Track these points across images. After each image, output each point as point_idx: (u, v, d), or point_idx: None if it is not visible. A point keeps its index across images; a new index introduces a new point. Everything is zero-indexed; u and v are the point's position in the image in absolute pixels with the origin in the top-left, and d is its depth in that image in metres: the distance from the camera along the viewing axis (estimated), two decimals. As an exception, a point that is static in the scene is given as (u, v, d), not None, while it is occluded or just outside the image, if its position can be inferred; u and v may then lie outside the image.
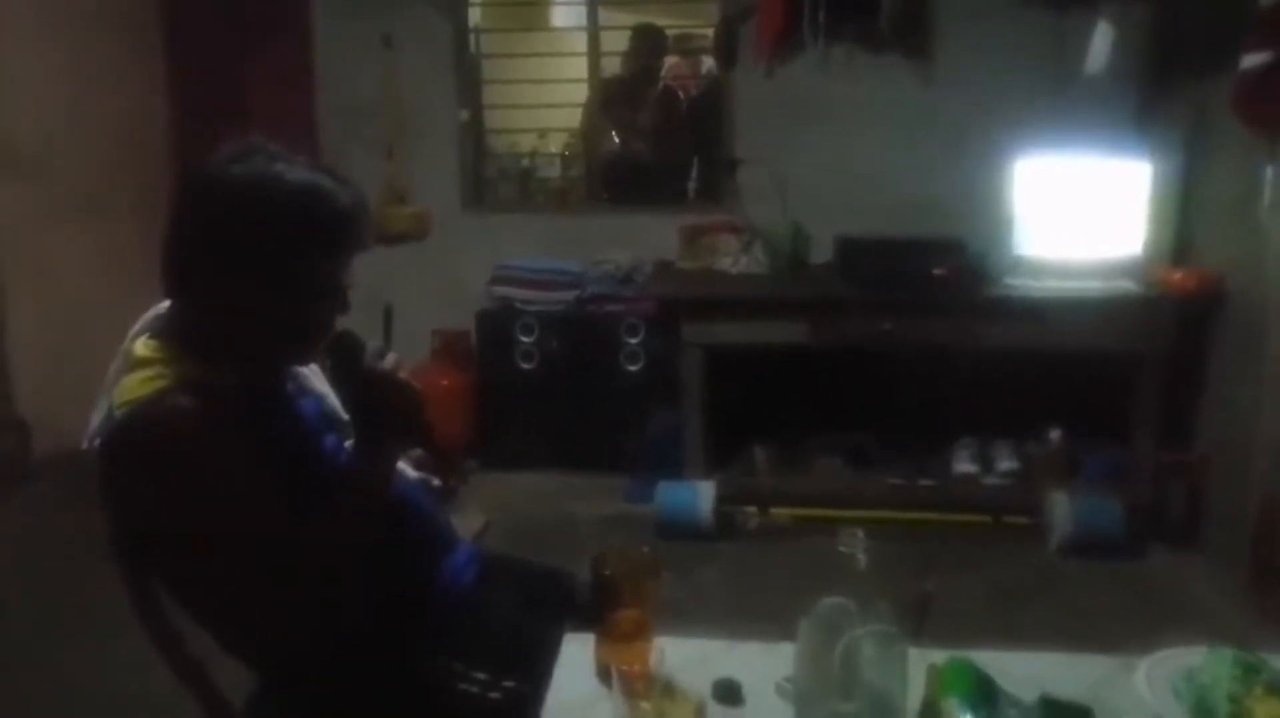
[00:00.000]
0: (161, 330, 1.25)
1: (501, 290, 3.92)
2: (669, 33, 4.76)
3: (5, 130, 3.61)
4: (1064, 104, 3.49)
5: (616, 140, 4.37)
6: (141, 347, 1.23)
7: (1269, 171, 2.70)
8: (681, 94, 4.85)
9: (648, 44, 4.29)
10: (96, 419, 1.22)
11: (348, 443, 1.27)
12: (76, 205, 3.81)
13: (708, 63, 4.48)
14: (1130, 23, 3.47)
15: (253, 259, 1.19)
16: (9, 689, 2.40)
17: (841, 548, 1.00)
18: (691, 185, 4.42)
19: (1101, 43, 3.39)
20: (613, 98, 4.37)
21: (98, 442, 1.20)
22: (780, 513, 3.35)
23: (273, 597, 1.16)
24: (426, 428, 1.33)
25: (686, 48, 4.99)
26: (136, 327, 1.27)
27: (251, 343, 1.24)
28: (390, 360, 1.30)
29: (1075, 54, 3.46)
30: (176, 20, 4.21)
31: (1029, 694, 1.11)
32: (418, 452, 1.51)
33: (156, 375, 1.18)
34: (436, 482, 1.51)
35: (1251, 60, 2.65)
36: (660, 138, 4.48)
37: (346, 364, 1.30)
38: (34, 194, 3.65)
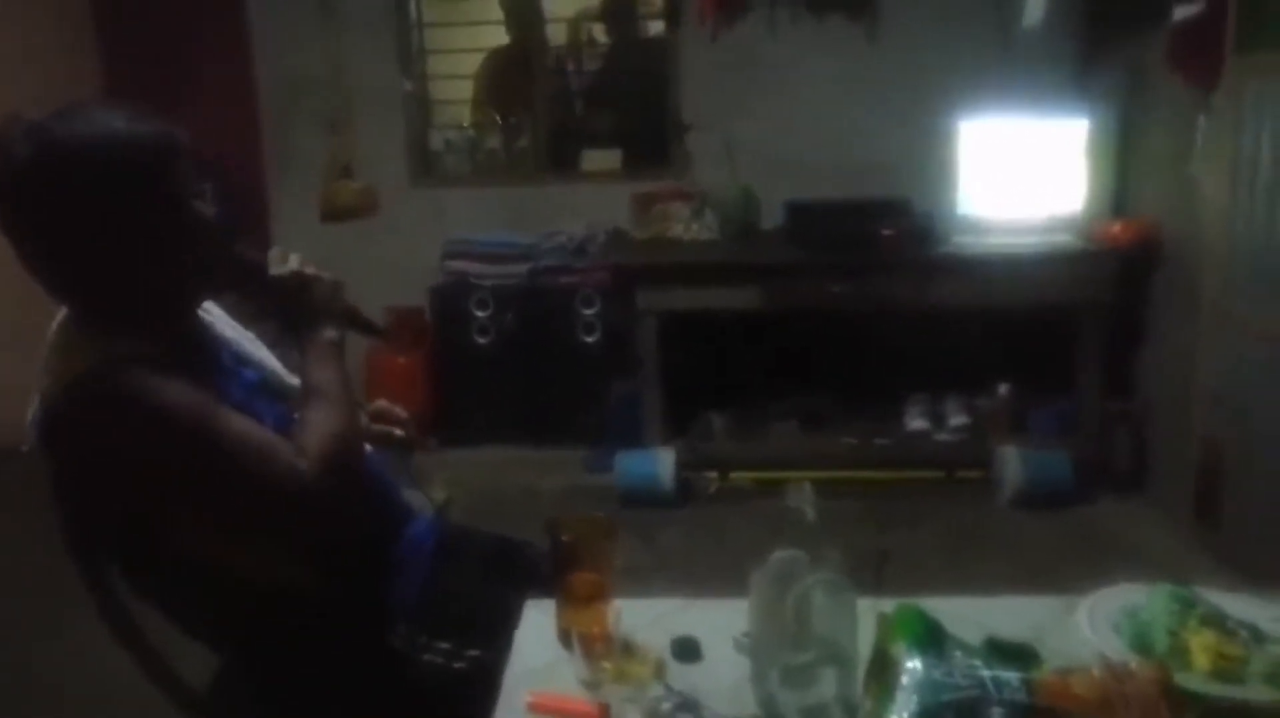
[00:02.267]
0: (71, 320, 1.22)
1: (454, 265, 3.89)
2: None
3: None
4: (1004, 63, 3.53)
5: (497, 119, 4.31)
6: (57, 334, 1.21)
7: (1201, 122, 2.76)
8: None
9: (522, 12, 4.21)
10: (30, 413, 1.20)
11: (298, 414, 1.26)
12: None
13: (655, 28, 4.42)
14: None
15: (92, 227, 1.14)
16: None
17: (789, 503, 1.02)
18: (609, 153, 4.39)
19: (1037, -1, 3.42)
20: (497, 71, 4.32)
21: (36, 437, 1.19)
22: (739, 477, 3.40)
23: (273, 519, 1.16)
24: (348, 307, 1.36)
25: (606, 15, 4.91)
26: (56, 320, 1.25)
27: (146, 300, 1.21)
28: (294, 260, 1.31)
29: (1013, 10, 3.49)
30: (105, 1, 4.08)
31: (976, 638, 1.14)
32: (378, 404, 1.52)
33: (78, 355, 1.15)
34: (398, 432, 1.52)
35: (1183, 12, 2.71)
36: (552, 108, 4.40)
37: (252, 281, 1.30)
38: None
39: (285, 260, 1.31)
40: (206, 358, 1.30)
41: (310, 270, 1.32)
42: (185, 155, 1.19)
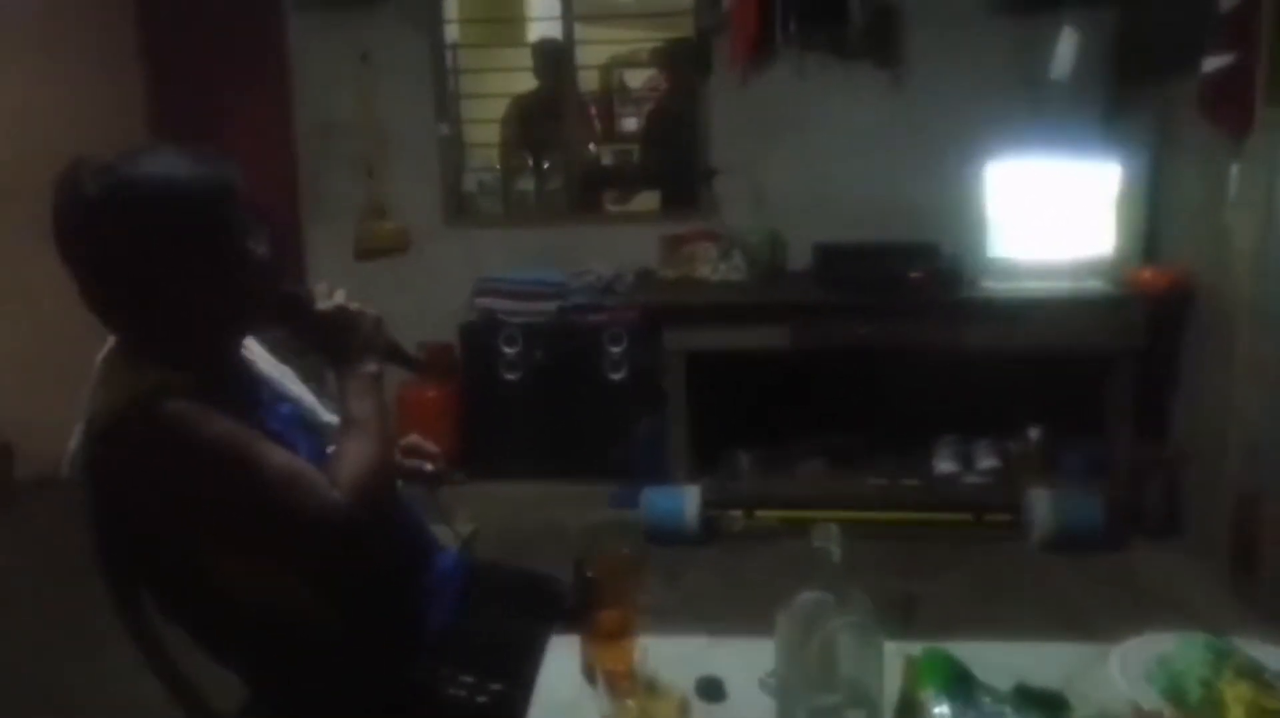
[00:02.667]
0: (118, 350, 1.26)
1: (484, 302, 3.93)
2: (648, 46, 4.80)
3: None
4: (1033, 107, 3.55)
5: (529, 160, 4.39)
6: (104, 366, 1.25)
7: (1234, 170, 2.75)
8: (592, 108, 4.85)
9: (550, 59, 4.30)
10: (74, 443, 1.24)
11: (330, 448, 1.28)
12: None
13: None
14: (1095, 27, 3.53)
15: (151, 261, 1.18)
16: (9, 703, 2.41)
17: (816, 543, 1.03)
18: (650, 196, 4.44)
19: (1067, 48, 3.44)
20: (527, 115, 4.40)
21: (78, 463, 1.22)
22: (765, 516, 3.38)
23: (306, 548, 1.18)
24: (389, 341, 1.39)
25: (662, 60, 5.03)
26: (103, 350, 1.29)
27: (195, 333, 1.25)
28: (338, 295, 1.35)
29: (1042, 59, 3.51)
30: (152, 44, 4.21)
31: (1005, 684, 1.13)
32: (409, 439, 1.54)
33: (125, 385, 1.19)
34: (429, 466, 1.54)
35: (1213, 63, 2.71)
36: (578, 152, 4.47)
37: (298, 316, 1.34)
38: (14, 218, 3.63)
39: (330, 295, 1.35)
40: (246, 391, 1.34)
41: (354, 306, 1.35)
42: (240, 197, 1.25)
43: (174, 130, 4.01)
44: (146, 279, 1.19)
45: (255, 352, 1.43)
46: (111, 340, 1.28)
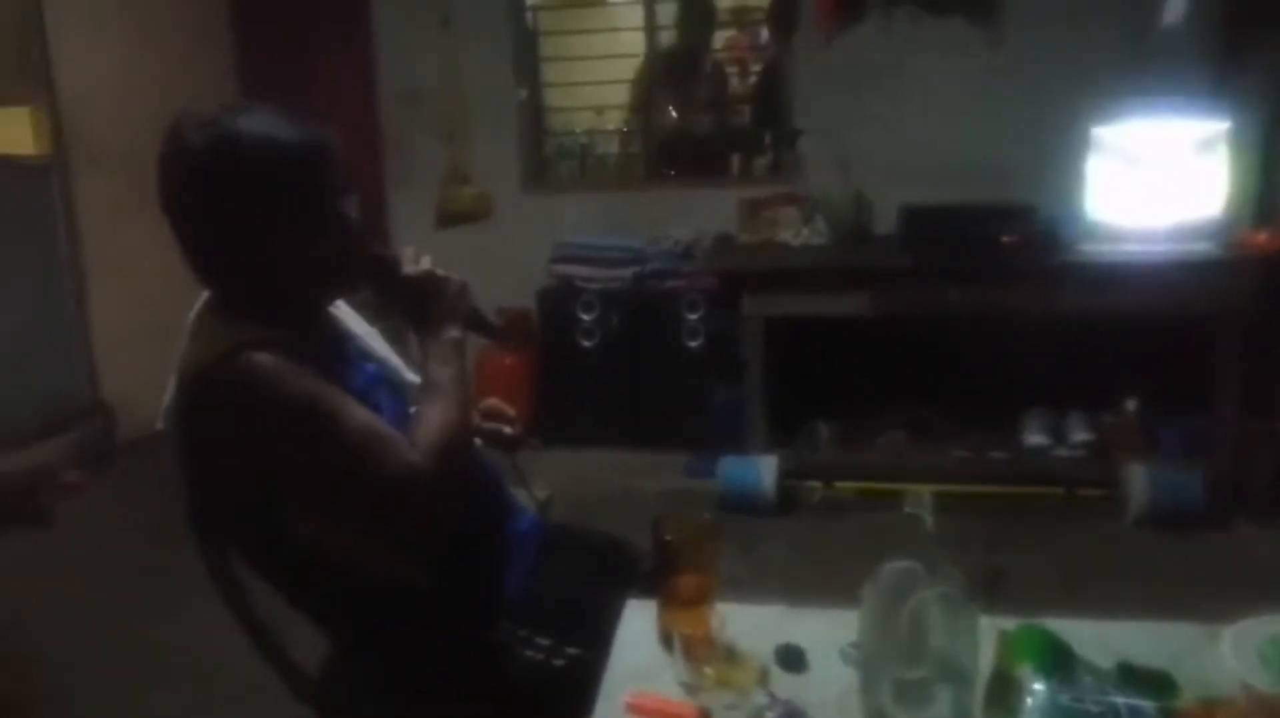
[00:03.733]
0: (211, 306, 1.29)
1: (562, 268, 3.93)
2: (724, 5, 4.69)
3: (86, 123, 3.75)
4: (1139, 62, 3.36)
5: (673, 114, 4.33)
6: (196, 321, 1.28)
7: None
8: (737, 67, 4.78)
9: (695, 16, 4.23)
10: (168, 397, 1.26)
11: (413, 409, 1.29)
12: (152, 194, 3.93)
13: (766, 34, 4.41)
14: (1208, -28, 3.32)
15: (249, 215, 1.20)
16: (100, 657, 2.52)
17: (908, 509, 0.98)
18: (760, 160, 4.36)
19: (1178, -7, 3.24)
20: (664, 73, 4.33)
21: (170, 416, 1.24)
22: (844, 487, 3.32)
23: (385, 507, 1.19)
24: (473, 308, 1.39)
25: (745, 20, 4.92)
26: (195, 308, 1.31)
27: (287, 290, 1.26)
28: (425, 260, 1.35)
29: (1150, 7, 3.32)
30: (242, 13, 4.31)
31: (1106, 662, 1.07)
32: (489, 402, 1.54)
33: (216, 338, 1.21)
34: (507, 429, 1.54)
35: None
36: (713, 112, 4.42)
37: (385, 278, 1.34)
38: (115, 187, 3.78)
39: (417, 260, 1.35)
40: (333, 349, 1.35)
41: (440, 272, 1.35)
42: (335, 159, 1.26)
43: (261, 95, 4.09)
44: (243, 233, 1.21)
45: (343, 311, 1.44)
46: (204, 297, 1.31)
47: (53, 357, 3.73)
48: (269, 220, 1.21)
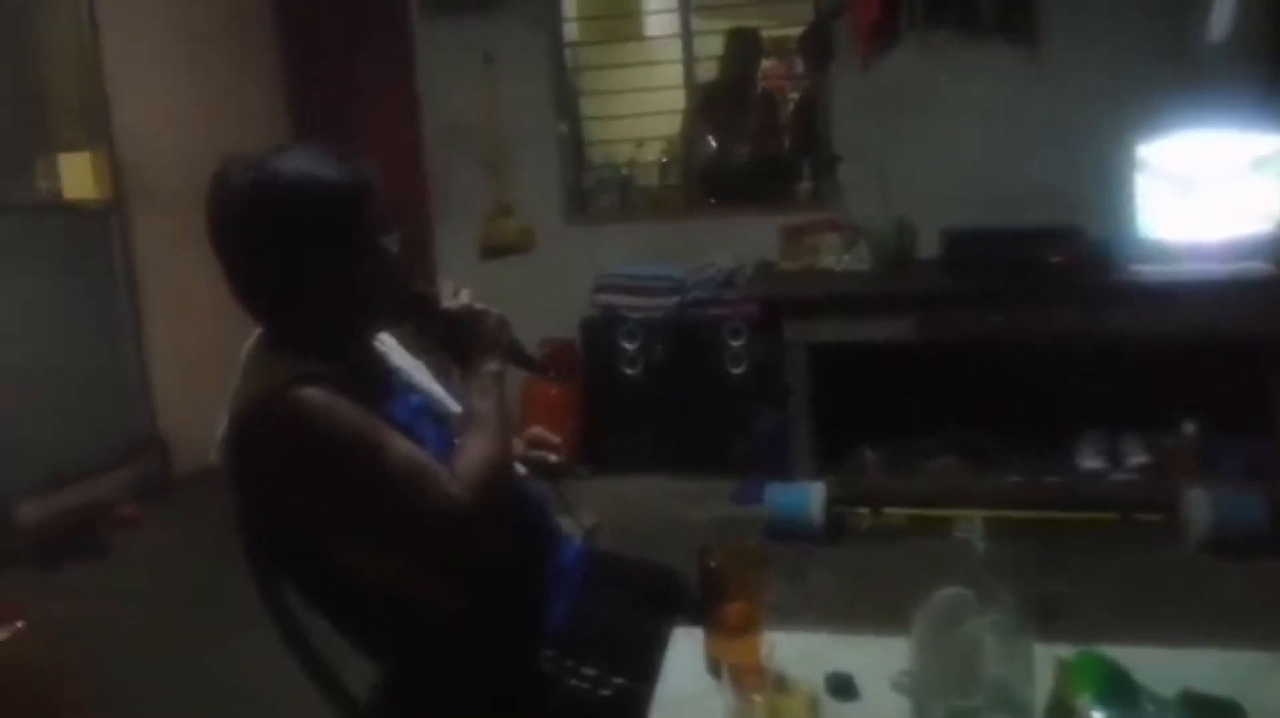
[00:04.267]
0: (262, 342, 1.32)
1: (605, 298, 3.96)
2: (763, 35, 4.72)
3: (143, 165, 3.88)
4: (1185, 78, 3.31)
5: (714, 145, 4.36)
6: (248, 357, 1.31)
7: None
8: (778, 95, 4.81)
9: (743, 48, 4.27)
10: (220, 432, 1.29)
11: (457, 439, 1.30)
12: (205, 233, 4.05)
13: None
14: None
15: (293, 253, 1.23)
16: (154, 681, 2.56)
17: (958, 534, 0.96)
18: (804, 186, 4.37)
19: (1225, 6, 3.18)
20: (711, 103, 4.36)
21: (223, 450, 1.27)
22: (894, 514, 3.27)
23: (427, 538, 1.21)
24: (512, 342, 1.40)
25: (782, 50, 4.95)
26: (248, 344, 1.34)
27: (330, 325, 1.29)
28: (464, 295, 1.37)
29: (1197, 21, 3.27)
30: (290, 52, 4.43)
31: (1168, 690, 1.04)
32: (533, 431, 1.55)
33: (266, 373, 1.24)
34: (552, 458, 1.55)
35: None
36: (761, 140, 4.45)
37: (426, 313, 1.37)
38: (168, 223, 3.89)
39: (457, 295, 1.38)
40: (378, 382, 1.37)
41: (479, 306, 1.38)
42: (378, 196, 1.29)
43: (310, 134, 4.20)
44: (284, 269, 1.24)
45: (389, 344, 1.47)
46: (257, 333, 1.34)
47: (111, 393, 3.83)
48: (310, 257, 1.24)
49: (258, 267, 1.25)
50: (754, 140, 4.38)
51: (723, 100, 4.37)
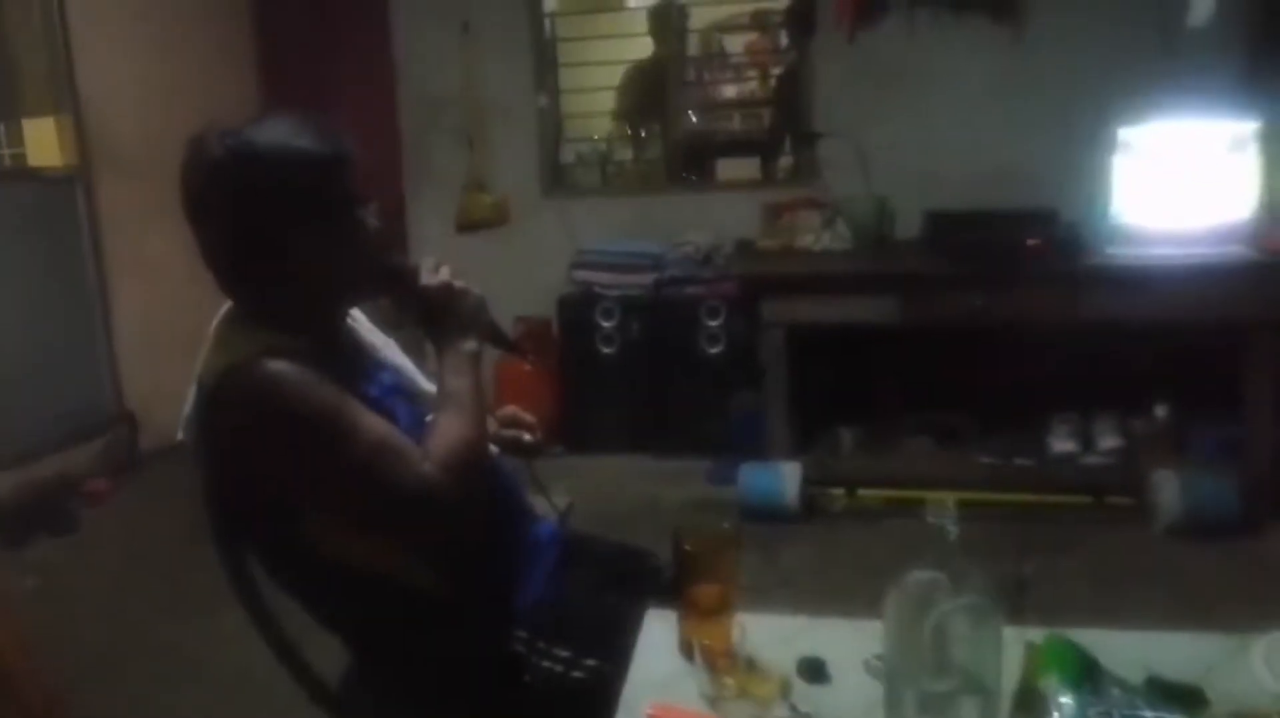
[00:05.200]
0: (231, 315, 1.30)
1: (582, 275, 3.93)
2: (744, 9, 4.69)
3: (110, 132, 3.79)
4: (1165, 62, 3.32)
5: (635, 130, 4.33)
6: (216, 330, 1.28)
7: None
8: (758, 71, 4.78)
9: (661, 25, 4.24)
10: (187, 407, 1.27)
11: (429, 417, 1.28)
12: (176, 203, 3.97)
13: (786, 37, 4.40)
14: (1236, -30, 3.28)
15: (269, 225, 1.21)
16: (122, 662, 2.53)
17: (930, 518, 0.96)
18: (784, 161, 4.34)
19: (1205, -9, 3.19)
20: (635, 82, 4.34)
21: (191, 426, 1.25)
22: (868, 494, 3.28)
23: (397, 517, 1.19)
24: (490, 322, 1.39)
25: (764, 23, 4.92)
26: (217, 317, 1.32)
27: (306, 298, 1.27)
28: (444, 272, 1.34)
29: (1176, 7, 3.27)
30: (263, 20, 4.34)
31: (1135, 675, 1.05)
32: (507, 410, 1.53)
33: (235, 347, 1.21)
34: (526, 437, 1.53)
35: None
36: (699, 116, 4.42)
37: (404, 288, 1.34)
38: (135, 193, 3.81)
39: (437, 272, 1.35)
40: (350, 358, 1.35)
41: (459, 284, 1.35)
42: (355, 168, 1.27)
43: (282, 103, 4.12)
44: (262, 241, 1.22)
45: (360, 321, 1.45)
46: (226, 306, 1.31)
47: (78, 366, 3.77)
48: (287, 229, 1.21)
49: (233, 238, 1.22)
50: (675, 119, 4.32)
51: (652, 80, 4.33)
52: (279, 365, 1.17)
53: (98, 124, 3.76)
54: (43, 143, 3.69)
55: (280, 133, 1.23)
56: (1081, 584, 2.68)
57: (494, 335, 1.43)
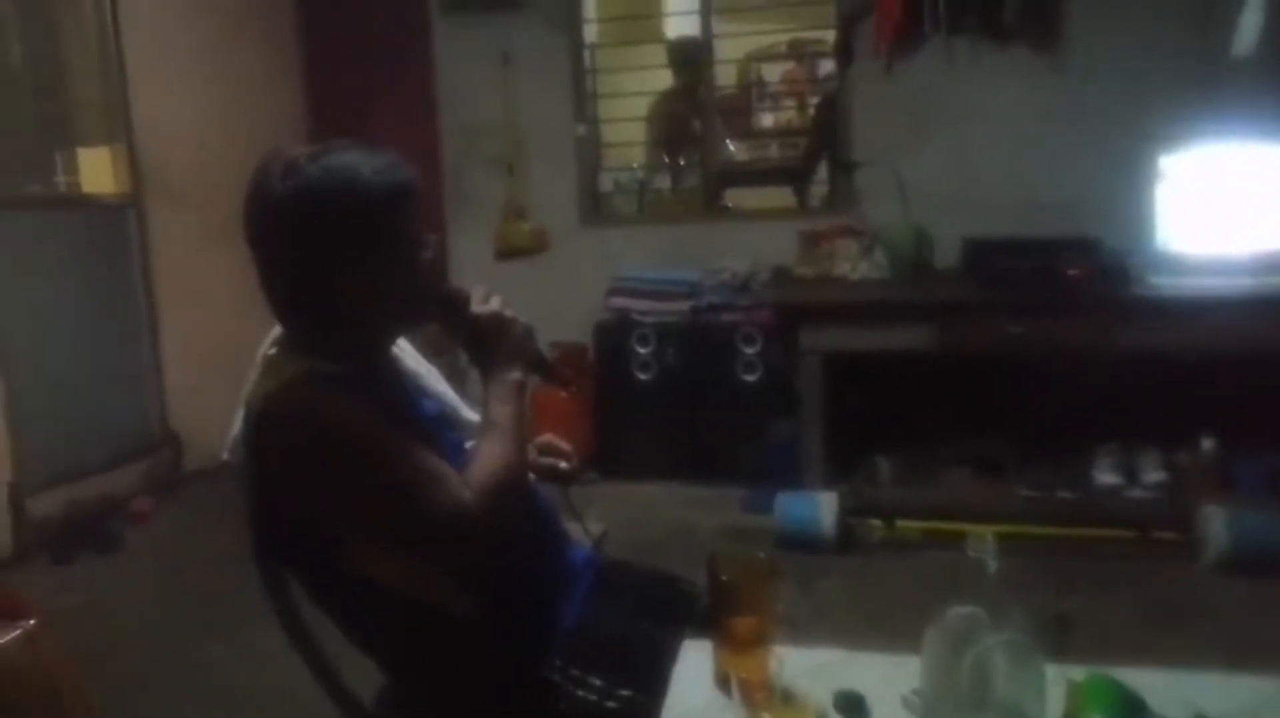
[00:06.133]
0: (282, 340, 1.31)
1: (618, 302, 3.95)
2: (782, 39, 4.72)
3: (161, 161, 3.89)
4: (1210, 89, 3.27)
5: (665, 159, 4.36)
6: (264, 355, 1.30)
7: None
8: (796, 100, 4.80)
9: (681, 59, 4.27)
10: (234, 430, 1.29)
11: (469, 444, 1.29)
12: (224, 230, 4.05)
13: (826, 67, 4.42)
14: (1283, -2, 3.23)
15: (328, 255, 1.22)
16: (164, 676, 2.57)
17: (971, 553, 0.95)
18: (821, 190, 4.34)
19: (1251, 20, 3.15)
20: (660, 114, 4.37)
21: (237, 448, 1.27)
22: (906, 525, 3.24)
23: (436, 543, 1.20)
24: (537, 353, 1.39)
25: (801, 53, 4.94)
26: (265, 342, 1.34)
27: (360, 326, 1.28)
28: (494, 301, 1.35)
29: (1222, 34, 3.23)
30: (309, 51, 4.45)
31: (1180, 715, 1.02)
32: (544, 438, 1.54)
33: (282, 372, 1.23)
34: (563, 464, 1.54)
35: None
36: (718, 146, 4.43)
37: (454, 315, 1.35)
38: (186, 220, 3.92)
39: (487, 300, 1.36)
40: (393, 385, 1.37)
41: (509, 313, 1.36)
42: (418, 200, 1.28)
43: (328, 131, 4.21)
44: (324, 273, 1.22)
45: (403, 347, 1.46)
46: (273, 333, 1.33)
47: (126, 389, 3.85)
48: (349, 262, 1.22)
49: (293, 267, 1.24)
50: (706, 149, 4.34)
51: (678, 110, 4.36)
52: (322, 391, 1.19)
53: (150, 153, 3.87)
54: (97, 171, 3.80)
55: (344, 164, 1.23)
56: (1126, 621, 2.62)
57: (540, 365, 1.43)
